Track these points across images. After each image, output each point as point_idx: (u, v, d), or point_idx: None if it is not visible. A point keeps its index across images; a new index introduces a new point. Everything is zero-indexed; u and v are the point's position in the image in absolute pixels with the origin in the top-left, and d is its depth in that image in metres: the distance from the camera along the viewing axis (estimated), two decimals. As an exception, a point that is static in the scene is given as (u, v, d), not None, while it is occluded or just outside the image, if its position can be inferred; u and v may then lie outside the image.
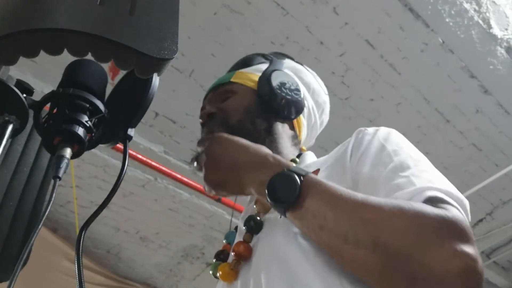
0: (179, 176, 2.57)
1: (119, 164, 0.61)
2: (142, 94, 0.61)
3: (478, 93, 2.55)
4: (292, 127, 0.97)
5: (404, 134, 0.80)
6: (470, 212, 0.66)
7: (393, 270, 0.54)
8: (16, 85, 0.55)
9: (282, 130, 0.95)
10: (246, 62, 1.07)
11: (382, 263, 0.54)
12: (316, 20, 2.22)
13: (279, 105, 0.92)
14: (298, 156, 0.93)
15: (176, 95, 2.51)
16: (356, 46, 2.33)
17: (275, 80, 0.94)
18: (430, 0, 2.18)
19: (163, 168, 2.55)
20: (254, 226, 0.77)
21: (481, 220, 3.33)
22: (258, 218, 0.78)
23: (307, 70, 1.09)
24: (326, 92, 1.09)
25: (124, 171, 0.57)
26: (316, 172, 0.80)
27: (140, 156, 2.47)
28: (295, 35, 2.28)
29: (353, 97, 2.56)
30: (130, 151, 2.06)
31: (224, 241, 0.90)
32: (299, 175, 0.62)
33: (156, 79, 0.62)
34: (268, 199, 0.63)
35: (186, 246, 3.50)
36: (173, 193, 3.03)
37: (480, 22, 2.29)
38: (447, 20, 2.25)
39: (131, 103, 0.63)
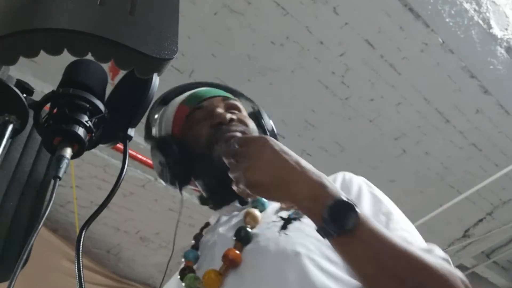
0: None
1: (119, 164, 0.61)
2: (142, 94, 0.61)
3: (478, 93, 2.55)
4: None
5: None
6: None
7: None
8: (16, 85, 0.55)
9: None
10: (233, 92, 1.09)
11: None
12: (316, 20, 2.22)
13: (271, 132, 1.03)
14: None
15: (176, 95, 2.50)
16: (356, 46, 2.33)
17: (272, 125, 1.07)
18: (430, 0, 2.18)
19: (163, 168, 2.55)
20: (244, 237, 0.79)
21: (481, 220, 3.33)
22: (249, 230, 0.80)
23: None
24: None
25: (124, 171, 0.57)
26: None
27: (140, 156, 2.47)
28: (295, 35, 2.28)
29: (353, 97, 2.56)
30: (130, 151, 2.05)
31: (182, 260, 0.91)
32: (356, 205, 0.64)
33: (156, 79, 0.62)
34: (327, 217, 0.63)
35: (186, 246, 3.49)
36: (173, 193, 3.03)
37: (480, 22, 2.29)
38: (447, 20, 2.25)
39: (131, 103, 0.63)
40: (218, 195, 0.95)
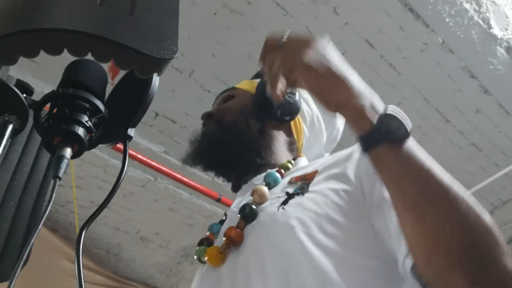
0: (179, 176, 2.57)
1: (119, 164, 0.61)
2: (142, 94, 0.61)
3: (478, 93, 2.55)
4: (289, 133, 0.99)
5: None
6: None
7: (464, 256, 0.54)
8: (16, 85, 0.55)
9: (277, 133, 0.97)
10: (257, 74, 1.09)
11: (458, 243, 0.54)
12: (316, 20, 2.22)
13: (272, 107, 0.94)
14: (294, 159, 0.95)
15: (176, 95, 2.51)
16: (356, 46, 2.33)
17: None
18: (430, 0, 2.18)
19: (163, 168, 2.55)
20: (249, 214, 0.78)
21: (481, 220, 3.33)
22: (253, 207, 0.79)
23: None
24: None
25: (124, 171, 0.57)
26: (315, 173, 0.81)
27: (140, 156, 2.47)
28: (295, 35, 2.28)
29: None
30: (130, 151, 2.05)
31: (207, 232, 0.92)
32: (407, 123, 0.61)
33: (156, 79, 0.62)
34: (378, 124, 0.60)
35: (186, 246, 3.50)
36: (173, 193, 3.04)
37: (480, 22, 2.29)
38: (447, 20, 2.25)
39: (131, 103, 0.63)
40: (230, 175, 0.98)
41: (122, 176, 0.57)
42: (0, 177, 0.69)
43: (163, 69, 0.50)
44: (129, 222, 3.30)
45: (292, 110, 0.96)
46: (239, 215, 0.79)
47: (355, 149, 0.81)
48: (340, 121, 1.07)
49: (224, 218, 0.95)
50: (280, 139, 0.97)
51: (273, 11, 2.17)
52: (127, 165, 0.59)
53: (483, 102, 2.60)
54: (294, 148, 0.99)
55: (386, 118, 0.61)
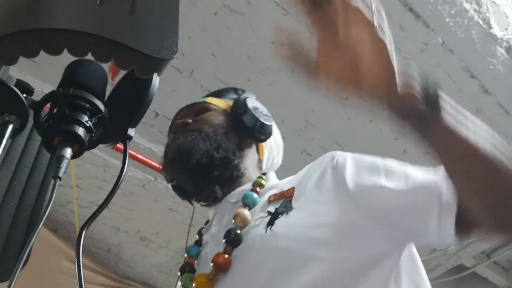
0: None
1: (119, 164, 0.61)
2: (142, 94, 0.61)
3: (478, 93, 2.55)
4: (257, 152, 1.04)
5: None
6: None
7: None
8: (16, 85, 0.55)
9: (250, 150, 1.01)
10: (218, 93, 1.13)
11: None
12: (316, 20, 2.22)
13: (252, 124, 0.98)
14: (264, 174, 0.98)
15: (176, 95, 2.50)
16: (356, 46, 2.32)
17: (250, 103, 1.01)
18: (430, 0, 2.18)
19: (163, 168, 2.55)
20: (235, 239, 0.79)
21: (481, 220, 3.33)
22: (238, 231, 0.80)
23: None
24: (281, 138, 1.16)
25: (124, 171, 0.57)
26: (292, 189, 0.83)
27: (140, 156, 2.47)
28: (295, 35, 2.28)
29: (353, 97, 2.55)
30: (130, 151, 2.05)
31: (185, 255, 0.92)
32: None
33: (156, 79, 0.62)
34: (424, 94, 0.59)
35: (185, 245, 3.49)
36: (173, 193, 3.02)
37: (480, 22, 2.29)
38: (447, 20, 2.25)
39: (131, 103, 0.63)
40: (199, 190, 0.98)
41: (122, 176, 0.57)
42: (0, 177, 0.69)
43: (163, 69, 0.50)
44: (129, 222, 3.30)
45: (267, 132, 1.01)
46: (224, 241, 0.80)
47: (323, 157, 0.85)
48: (282, 150, 1.13)
49: (198, 238, 0.96)
50: (251, 156, 1.01)
51: (273, 11, 2.17)
52: (127, 165, 0.59)
53: (483, 102, 2.60)
54: (260, 167, 1.04)
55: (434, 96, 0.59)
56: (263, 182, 0.93)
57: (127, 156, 0.60)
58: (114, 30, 0.47)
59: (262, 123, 0.99)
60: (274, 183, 0.94)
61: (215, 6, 2.15)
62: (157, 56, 0.48)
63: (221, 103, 1.05)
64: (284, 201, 0.81)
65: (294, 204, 0.79)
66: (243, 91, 1.12)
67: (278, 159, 1.13)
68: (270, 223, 0.78)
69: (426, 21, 2.24)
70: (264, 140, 1.02)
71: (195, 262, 0.90)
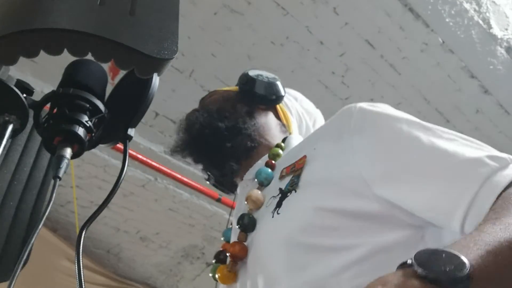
0: (179, 176, 2.57)
1: (119, 164, 0.61)
2: (142, 94, 0.61)
3: (478, 93, 2.55)
4: (277, 117, 0.99)
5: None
6: None
7: None
8: (16, 85, 0.55)
9: (266, 117, 0.97)
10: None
11: None
12: (316, 20, 2.22)
13: (257, 89, 0.96)
14: (284, 140, 0.93)
15: (176, 95, 2.50)
16: (356, 46, 2.33)
17: (252, 72, 0.99)
18: (430, 0, 2.18)
19: (163, 168, 2.55)
20: (248, 224, 0.76)
21: (481, 220, 3.33)
22: (251, 215, 0.77)
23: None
24: (315, 107, 1.14)
25: (124, 171, 0.57)
26: (304, 158, 0.77)
27: (140, 156, 2.47)
28: (295, 35, 2.28)
29: (353, 97, 2.55)
30: (130, 151, 2.05)
31: (222, 239, 0.90)
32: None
33: (156, 79, 0.62)
34: None
35: (186, 246, 3.50)
36: (173, 193, 3.03)
37: (480, 22, 2.29)
38: (447, 20, 2.25)
39: (131, 103, 0.63)
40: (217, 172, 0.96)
41: (122, 176, 0.57)
42: (0, 177, 0.69)
43: (163, 69, 0.50)
44: (129, 222, 3.30)
45: (276, 89, 0.97)
46: (237, 227, 0.78)
47: (340, 114, 0.77)
48: (320, 118, 1.10)
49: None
50: (269, 121, 0.97)
51: (273, 11, 2.17)
52: (127, 165, 0.59)
53: (483, 102, 2.60)
54: (285, 130, 0.99)
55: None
56: (280, 151, 0.87)
57: (127, 156, 0.59)
58: (114, 30, 0.47)
59: (267, 84, 0.96)
60: (291, 149, 0.87)
61: (215, 6, 2.15)
62: (157, 56, 0.48)
63: (229, 88, 1.05)
64: (294, 176, 0.75)
65: (302, 180, 0.73)
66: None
67: (316, 126, 1.07)
68: (278, 204, 0.73)
69: (426, 21, 2.24)
70: (276, 102, 0.98)
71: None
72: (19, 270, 0.45)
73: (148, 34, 0.49)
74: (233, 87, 1.05)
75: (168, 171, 2.56)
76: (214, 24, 2.22)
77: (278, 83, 0.99)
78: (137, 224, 3.33)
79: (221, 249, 0.86)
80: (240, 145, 0.89)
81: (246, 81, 0.97)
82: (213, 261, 0.84)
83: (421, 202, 0.62)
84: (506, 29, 2.35)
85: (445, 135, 0.66)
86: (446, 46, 2.35)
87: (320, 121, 1.10)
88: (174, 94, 2.50)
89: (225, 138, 0.89)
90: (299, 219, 0.68)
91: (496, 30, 2.33)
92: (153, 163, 2.53)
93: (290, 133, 0.98)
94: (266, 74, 1.00)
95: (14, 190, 0.70)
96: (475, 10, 2.26)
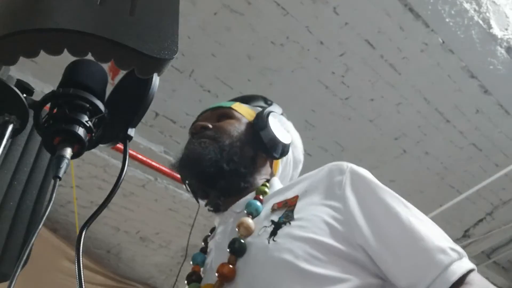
0: (179, 176, 2.57)
1: (119, 164, 0.61)
2: (142, 94, 0.61)
3: (478, 93, 2.55)
4: (270, 166, 1.04)
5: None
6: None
7: None
8: (16, 85, 0.55)
9: (263, 164, 1.02)
10: (247, 99, 1.13)
11: None
12: (316, 20, 2.22)
13: (270, 142, 0.98)
14: (267, 181, 0.99)
15: (176, 95, 2.51)
16: (356, 46, 2.33)
17: (272, 120, 1.00)
18: (430, 0, 2.18)
19: (163, 168, 2.55)
20: (239, 248, 0.79)
21: (481, 220, 3.33)
22: (243, 241, 0.80)
23: (293, 129, 1.15)
24: (303, 153, 1.16)
25: (124, 171, 0.57)
26: (296, 198, 0.84)
27: (140, 156, 2.47)
28: (295, 35, 2.28)
29: (353, 97, 2.56)
30: (130, 151, 2.05)
31: (191, 263, 0.93)
32: None
33: (156, 79, 0.62)
34: None
35: (186, 246, 3.49)
36: (173, 193, 3.03)
37: (480, 22, 2.29)
38: (447, 20, 2.25)
39: (131, 103, 0.63)
40: (206, 197, 1.01)
41: (122, 176, 0.57)
42: (0, 177, 0.68)
43: (163, 69, 0.50)
44: (129, 222, 3.30)
45: (285, 150, 1.01)
46: (228, 250, 0.80)
47: (331, 169, 0.85)
48: (300, 166, 1.13)
49: (203, 245, 0.97)
50: (264, 170, 1.02)
51: (273, 11, 2.17)
52: (127, 165, 0.59)
53: (483, 102, 2.60)
54: (270, 177, 1.04)
55: None
56: (266, 189, 0.94)
57: (127, 156, 0.60)
58: (114, 30, 0.47)
59: (279, 142, 0.99)
60: (278, 189, 0.94)
61: (215, 6, 2.15)
62: (157, 56, 0.48)
63: (245, 112, 1.05)
64: (287, 210, 0.81)
65: (296, 214, 0.79)
66: (271, 103, 1.12)
67: (294, 174, 1.13)
68: (273, 233, 0.78)
69: (426, 21, 2.24)
70: (278, 158, 1.03)
71: (201, 270, 0.90)
72: (19, 270, 0.45)
73: (148, 34, 0.49)
74: (247, 109, 1.06)
75: (168, 171, 2.56)
76: (214, 24, 2.22)
77: (289, 143, 1.01)
78: (137, 224, 3.33)
79: (191, 270, 0.90)
80: (234, 184, 0.95)
81: (264, 128, 0.98)
82: (186, 282, 0.89)
83: (394, 270, 0.73)
84: (506, 29, 2.35)
85: (419, 216, 0.77)
86: (446, 46, 2.35)
87: (299, 169, 1.14)
88: (174, 94, 2.50)
89: (223, 177, 0.94)
90: (298, 247, 0.73)
91: (496, 30, 2.33)
92: (153, 163, 2.53)
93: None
94: (285, 125, 1.04)
95: (14, 190, 0.70)
96: (475, 10, 2.26)
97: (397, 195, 0.80)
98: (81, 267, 0.50)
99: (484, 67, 2.44)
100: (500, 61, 2.43)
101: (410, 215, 0.75)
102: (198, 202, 1.04)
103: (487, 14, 2.28)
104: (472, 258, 3.50)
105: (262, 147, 0.98)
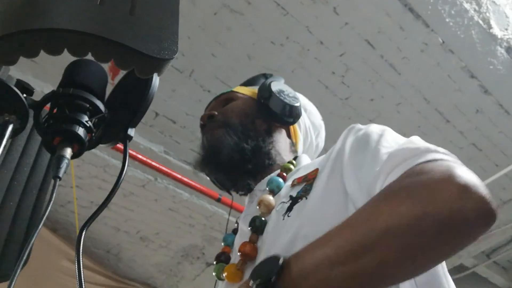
0: (179, 176, 2.57)
1: (119, 164, 0.62)
2: (142, 94, 0.61)
3: (478, 93, 2.55)
4: (289, 135, 1.02)
5: (404, 134, 0.80)
6: None
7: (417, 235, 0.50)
8: (16, 85, 0.55)
9: (280, 135, 0.99)
10: (248, 82, 1.12)
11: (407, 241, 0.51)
12: (316, 20, 2.22)
13: (278, 108, 0.96)
14: (295, 158, 0.97)
15: (176, 95, 2.51)
16: (356, 46, 2.32)
17: (275, 87, 0.98)
18: (430, 0, 2.18)
19: (163, 168, 2.55)
20: (259, 226, 0.78)
21: (481, 220, 3.32)
22: (263, 218, 0.80)
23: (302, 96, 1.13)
24: (321, 118, 1.13)
25: (124, 171, 0.57)
26: (316, 171, 0.81)
27: (140, 156, 2.47)
28: (295, 35, 2.28)
29: (353, 97, 2.56)
30: (130, 151, 2.05)
31: (222, 244, 0.92)
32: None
33: (156, 79, 0.62)
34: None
35: (186, 246, 3.50)
36: (173, 193, 3.03)
37: (480, 22, 2.29)
38: (447, 20, 2.25)
39: (131, 103, 0.63)
40: (229, 184, 0.98)
41: (122, 176, 0.57)
42: (0, 177, 0.69)
43: (163, 69, 0.50)
44: (129, 222, 3.30)
45: (297, 113, 0.98)
46: (249, 228, 0.79)
47: (343, 134, 0.81)
48: (323, 132, 1.11)
49: (236, 226, 0.95)
50: (282, 140, 0.99)
51: (273, 11, 2.17)
52: (127, 165, 0.59)
53: (483, 102, 2.60)
54: (294, 150, 1.02)
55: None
56: (291, 166, 0.91)
57: (127, 156, 0.60)
58: (114, 30, 0.47)
59: (288, 105, 0.96)
60: (303, 165, 0.92)
61: (215, 6, 2.15)
62: (157, 56, 0.48)
63: (247, 91, 1.03)
64: (306, 184, 0.79)
65: (314, 187, 0.77)
66: (271, 75, 1.10)
67: (319, 141, 1.10)
68: (289, 208, 0.76)
69: (426, 21, 2.24)
70: (293, 123, 1.00)
71: (231, 250, 0.89)
72: (19, 270, 0.45)
73: (148, 34, 0.49)
74: (249, 89, 1.05)
75: (168, 171, 2.56)
76: (214, 24, 2.22)
77: (298, 104, 0.99)
78: (137, 224, 3.33)
79: (221, 251, 0.88)
80: (260, 164, 0.93)
81: (268, 97, 0.96)
82: (214, 262, 0.87)
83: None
84: (506, 29, 2.35)
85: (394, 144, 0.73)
86: (446, 46, 2.35)
87: (322, 134, 1.12)
88: (174, 94, 2.50)
89: (249, 159, 0.92)
90: (307, 223, 0.71)
91: (496, 30, 2.33)
92: (153, 163, 2.52)
93: (297, 152, 1.02)
94: (287, 91, 1.00)
95: (14, 190, 0.70)
96: (475, 10, 2.26)
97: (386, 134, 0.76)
98: (81, 267, 0.50)
99: (484, 67, 2.44)
100: (500, 61, 2.43)
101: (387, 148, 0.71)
102: (230, 193, 1.02)
103: (487, 14, 2.28)
104: (472, 258, 3.50)
105: (273, 116, 0.96)
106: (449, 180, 0.53)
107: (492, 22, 2.31)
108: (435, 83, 2.51)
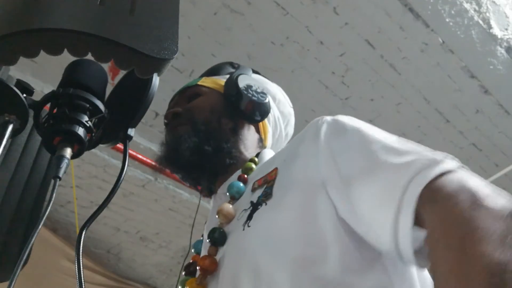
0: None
1: (119, 164, 0.62)
2: (142, 94, 0.61)
3: (478, 93, 2.55)
4: (257, 131, 0.98)
5: (404, 134, 0.80)
6: None
7: None
8: (16, 85, 0.55)
9: (248, 132, 0.95)
10: (214, 70, 1.08)
11: None
12: (316, 20, 2.22)
13: (245, 106, 0.92)
14: (257, 155, 0.92)
15: (176, 95, 2.51)
16: (356, 46, 2.33)
17: (242, 82, 0.94)
18: (430, 0, 2.18)
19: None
20: (218, 238, 0.74)
21: (481, 220, 3.32)
22: (222, 229, 0.75)
23: (272, 83, 1.09)
24: (291, 105, 1.09)
25: (124, 171, 0.57)
26: (275, 171, 0.76)
27: (140, 156, 2.47)
28: (295, 35, 2.28)
29: (353, 97, 2.56)
30: (130, 151, 2.05)
31: (192, 251, 0.89)
32: None
33: (156, 79, 0.62)
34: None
35: (186, 246, 3.49)
36: (173, 193, 3.03)
37: (480, 22, 2.29)
38: (447, 20, 2.25)
39: (131, 103, 0.63)
40: (196, 183, 0.96)
41: (122, 176, 0.57)
42: (0, 177, 0.68)
43: (163, 69, 0.50)
44: (129, 222, 3.30)
45: (265, 110, 0.94)
46: (207, 241, 0.75)
47: (306, 129, 0.76)
48: (292, 119, 1.07)
49: (203, 234, 0.92)
50: (249, 138, 0.95)
51: (273, 11, 2.17)
52: (127, 165, 0.59)
53: (483, 102, 2.60)
54: (261, 146, 0.98)
55: None
56: (253, 165, 0.86)
57: (127, 156, 0.60)
58: (114, 30, 0.47)
59: (256, 103, 0.92)
60: (263, 162, 0.86)
61: (215, 6, 2.15)
62: (157, 56, 0.48)
63: (213, 83, 0.99)
64: (266, 187, 0.74)
65: (275, 190, 0.71)
66: (238, 66, 1.05)
67: (288, 130, 1.06)
68: (249, 217, 0.71)
69: (426, 21, 2.24)
70: (261, 120, 0.96)
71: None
72: (19, 270, 0.45)
73: (148, 34, 0.49)
74: (215, 79, 1.00)
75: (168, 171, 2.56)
76: (214, 24, 2.22)
77: (267, 101, 0.95)
78: (137, 224, 3.33)
79: (191, 261, 0.84)
80: (220, 163, 0.89)
81: (235, 94, 0.92)
82: (183, 273, 0.83)
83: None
84: (506, 29, 2.35)
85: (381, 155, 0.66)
86: (446, 46, 2.35)
87: (292, 121, 1.07)
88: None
89: (208, 160, 0.89)
90: (266, 232, 0.67)
91: (496, 30, 2.33)
92: (153, 163, 2.52)
93: (265, 147, 0.98)
94: (255, 86, 0.95)
95: (14, 190, 0.70)
96: (475, 10, 2.26)
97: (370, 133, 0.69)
98: (81, 267, 0.50)
99: (484, 67, 2.44)
100: (500, 61, 2.43)
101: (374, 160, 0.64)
102: (199, 191, 0.99)
103: (487, 14, 2.28)
104: (472, 258, 3.52)
105: (240, 115, 0.93)
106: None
107: (492, 22, 2.31)
108: (435, 83, 2.51)
